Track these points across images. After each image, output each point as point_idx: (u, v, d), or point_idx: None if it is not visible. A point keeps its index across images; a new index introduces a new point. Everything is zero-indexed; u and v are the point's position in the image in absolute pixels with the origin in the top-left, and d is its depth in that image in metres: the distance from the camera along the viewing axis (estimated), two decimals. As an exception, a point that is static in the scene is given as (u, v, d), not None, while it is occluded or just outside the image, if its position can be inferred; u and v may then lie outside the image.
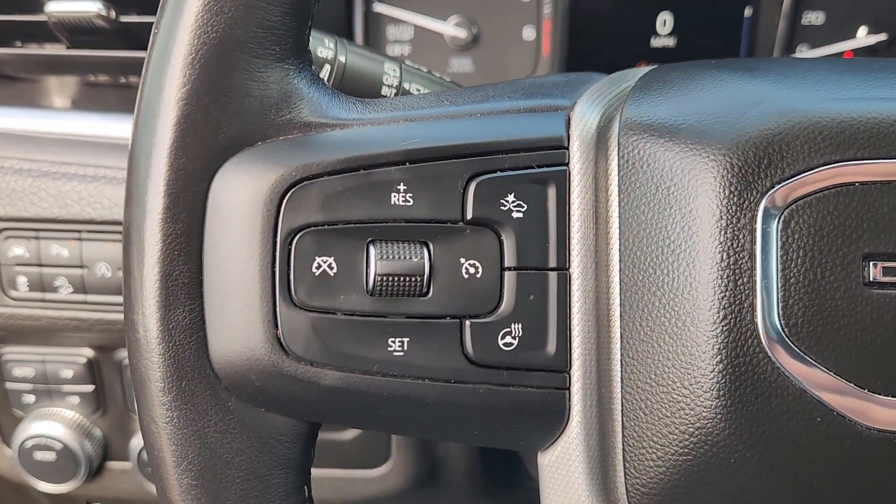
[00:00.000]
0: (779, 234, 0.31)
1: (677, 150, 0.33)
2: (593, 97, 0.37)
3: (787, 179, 0.31)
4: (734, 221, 0.32)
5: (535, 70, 0.81)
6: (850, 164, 0.31)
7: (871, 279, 0.31)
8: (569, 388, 0.34)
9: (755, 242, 0.31)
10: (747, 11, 0.79)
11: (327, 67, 0.47)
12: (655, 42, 0.81)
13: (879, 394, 0.31)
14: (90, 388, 0.69)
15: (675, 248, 0.33)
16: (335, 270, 0.32)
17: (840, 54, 0.80)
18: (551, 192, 0.34)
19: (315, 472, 0.71)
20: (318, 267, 0.32)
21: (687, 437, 0.32)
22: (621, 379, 0.34)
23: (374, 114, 0.35)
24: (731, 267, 0.31)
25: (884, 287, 0.31)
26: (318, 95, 0.35)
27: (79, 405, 0.70)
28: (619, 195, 0.34)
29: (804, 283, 0.31)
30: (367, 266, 0.33)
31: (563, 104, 0.36)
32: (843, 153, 0.31)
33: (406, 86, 0.49)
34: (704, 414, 0.32)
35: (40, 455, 0.69)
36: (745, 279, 0.31)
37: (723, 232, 0.32)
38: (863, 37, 0.79)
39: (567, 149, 0.34)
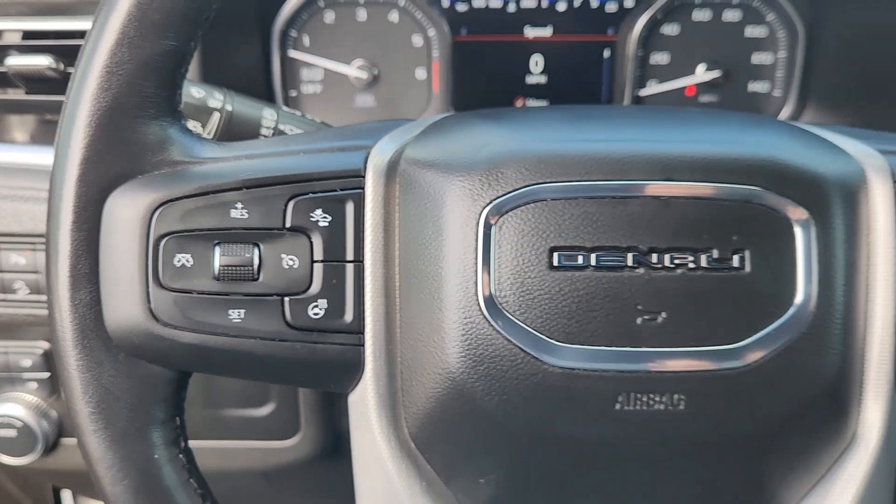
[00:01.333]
0: (494, 234, 0.46)
1: (436, 177, 0.47)
2: (390, 139, 0.51)
3: (501, 196, 0.46)
4: (465, 226, 0.46)
5: (429, 104, 0.95)
6: (542, 185, 0.46)
7: (554, 264, 0.45)
8: (363, 346, 0.48)
9: (478, 240, 0.46)
10: (606, 53, 0.95)
11: (216, 115, 0.61)
12: (530, 80, 0.96)
13: (562, 342, 0.45)
14: (46, 375, 0.82)
15: (431, 245, 0.47)
16: (191, 263, 0.47)
17: (683, 89, 0.95)
18: (349, 208, 0.48)
19: (236, 443, 0.86)
20: (179, 261, 0.47)
21: (438, 377, 0.46)
22: (399, 338, 0.48)
23: (225, 153, 0.49)
24: (462, 258, 0.46)
25: (563, 269, 0.45)
26: (186, 140, 0.49)
27: (37, 390, 0.83)
28: (399, 209, 0.48)
29: (511, 268, 0.45)
30: (214, 260, 0.47)
31: (366, 144, 0.50)
32: (538, 178, 0.46)
33: (282, 127, 0.63)
34: (447, 360, 0.46)
35: (3, 432, 0.82)
36: (472, 265, 0.46)
37: (457, 233, 0.46)
38: (702, 73, 0.94)
39: (363, 177, 0.49)
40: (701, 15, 0.93)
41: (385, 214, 0.48)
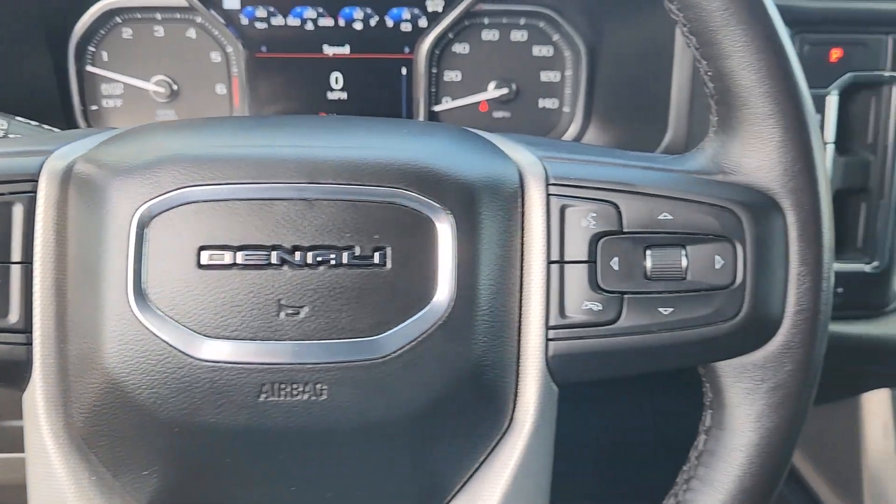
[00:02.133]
0: (147, 234, 0.48)
1: (100, 180, 0.49)
2: (76, 145, 0.53)
3: (154, 198, 0.48)
4: (121, 227, 0.48)
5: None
6: (193, 188, 0.48)
7: (202, 263, 0.48)
8: (31, 345, 0.50)
9: (130, 240, 0.48)
10: (403, 70, 0.98)
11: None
12: (331, 95, 0.99)
13: (208, 336, 0.47)
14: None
15: (95, 245, 0.49)
16: None
17: (477, 105, 1.00)
18: (17, 210, 0.50)
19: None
20: None
21: (98, 373, 0.48)
22: (69, 337, 0.49)
23: None
24: (117, 257, 0.48)
25: (210, 268, 0.47)
26: None
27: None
28: (71, 212, 0.50)
29: (161, 267, 0.47)
30: None
31: (48, 149, 0.52)
32: (189, 181, 0.48)
33: (11, 135, 0.64)
34: (104, 357, 0.48)
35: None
36: (124, 265, 0.48)
37: (115, 234, 0.48)
38: (492, 90, 0.99)
39: (37, 181, 0.50)
40: (490, 35, 0.98)
41: (57, 216, 0.50)
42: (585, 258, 0.51)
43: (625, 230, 0.51)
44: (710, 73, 0.52)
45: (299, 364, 0.47)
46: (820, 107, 0.76)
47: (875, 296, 0.80)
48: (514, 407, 0.52)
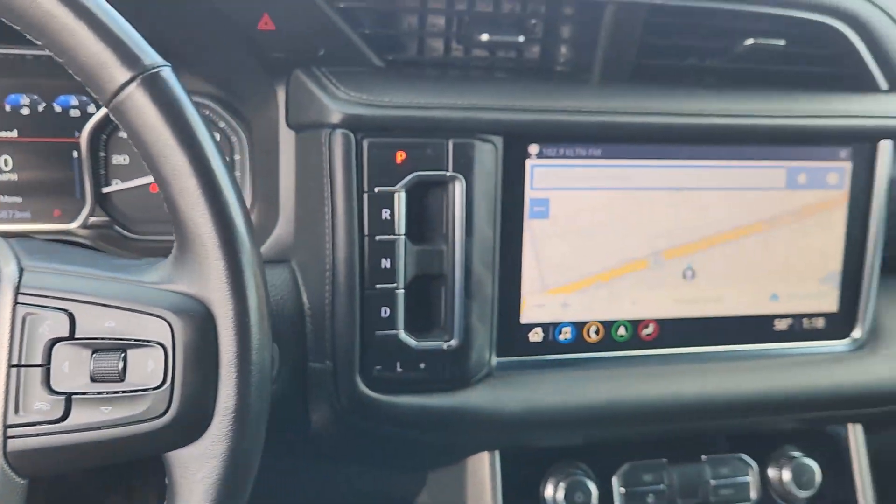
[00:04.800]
0: None
1: None
2: None
3: None
4: None
5: None
6: None
7: None
8: None
9: None
10: (75, 154, 1.03)
11: None
12: (2, 177, 1.02)
13: None
14: None
15: None
16: None
17: (148, 185, 1.05)
18: None
19: None
20: None
21: None
22: None
23: None
24: None
25: None
26: None
27: None
28: None
29: None
30: None
31: None
32: None
33: None
34: None
35: None
36: None
37: None
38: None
39: None
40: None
41: None
42: (40, 362, 0.56)
43: (76, 336, 0.57)
44: (162, 195, 0.58)
45: None
46: (390, 203, 0.84)
47: (455, 370, 0.88)
48: None
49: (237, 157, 1.05)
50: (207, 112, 1.04)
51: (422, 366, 0.87)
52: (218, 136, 1.05)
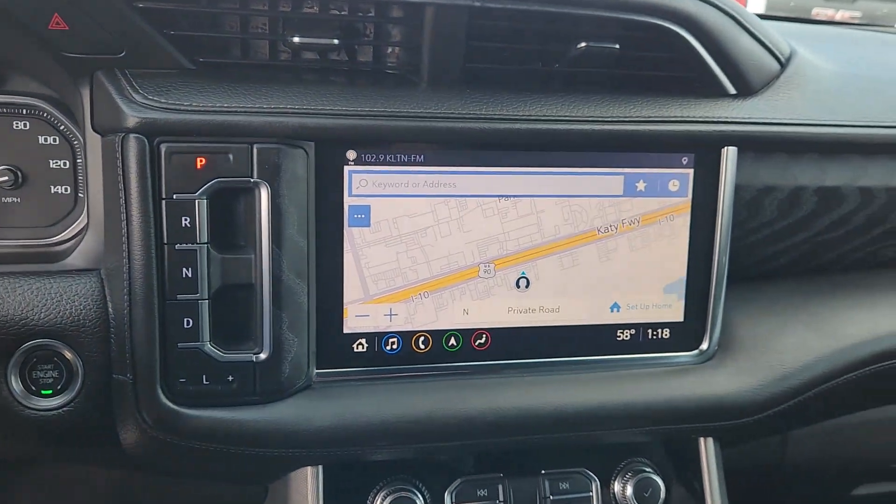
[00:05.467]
0: None
1: None
2: None
3: None
4: None
5: None
6: None
7: None
8: None
9: None
10: None
11: None
12: None
13: None
14: None
15: None
16: None
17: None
18: None
19: None
20: None
21: None
22: None
23: None
24: None
25: None
26: None
27: None
28: None
29: None
30: None
31: None
32: None
33: None
34: None
35: None
36: None
37: None
38: (-3, 177, 1.01)
39: None
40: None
41: None
42: None
43: None
44: None
45: None
46: (190, 211, 0.81)
47: (266, 383, 0.85)
48: None
49: (79, 160, 1.02)
50: (45, 115, 1.01)
51: (230, 378, 0.84)
52: (57, 140, 1.02)
